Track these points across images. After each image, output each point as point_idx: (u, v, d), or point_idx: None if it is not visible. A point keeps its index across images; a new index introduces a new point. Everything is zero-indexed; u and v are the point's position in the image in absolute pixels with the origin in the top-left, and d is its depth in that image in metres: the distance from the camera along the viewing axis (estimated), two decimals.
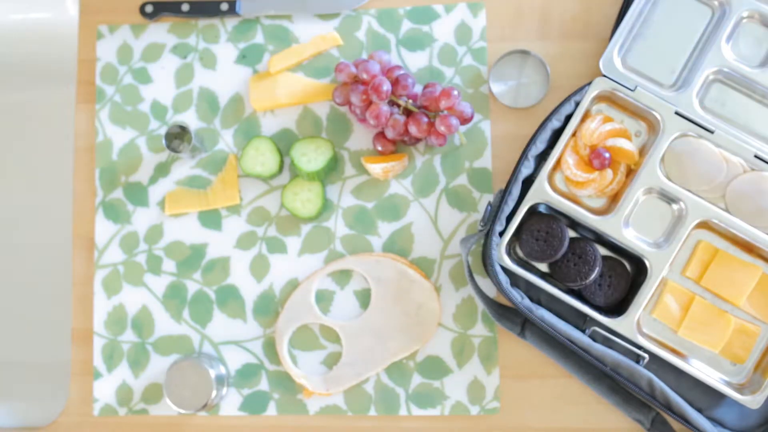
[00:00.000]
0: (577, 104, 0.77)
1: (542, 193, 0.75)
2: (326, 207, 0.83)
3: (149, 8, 0.87)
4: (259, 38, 0.86)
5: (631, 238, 0.75)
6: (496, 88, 0.82)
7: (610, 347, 0.75)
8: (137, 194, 0.85)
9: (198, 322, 0.83)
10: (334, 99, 0.81)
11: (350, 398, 0.80)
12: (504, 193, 0.75)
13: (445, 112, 0.78)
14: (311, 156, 0.81)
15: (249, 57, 0.86)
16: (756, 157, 0.75)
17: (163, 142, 0.81)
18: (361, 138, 0.84)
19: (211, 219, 0.84)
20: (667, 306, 0.75)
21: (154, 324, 0.83)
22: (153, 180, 0.85)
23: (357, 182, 0.83)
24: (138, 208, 0.85)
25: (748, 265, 0.75)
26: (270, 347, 0.82)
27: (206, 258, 0.84)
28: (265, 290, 0.83)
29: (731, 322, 0.74)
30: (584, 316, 0.77)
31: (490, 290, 0.80)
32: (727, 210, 0.75)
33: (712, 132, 0.76)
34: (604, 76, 0.77)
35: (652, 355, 0.75)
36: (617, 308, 0.76)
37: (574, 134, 0.77)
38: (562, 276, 0.76)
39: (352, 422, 0.80)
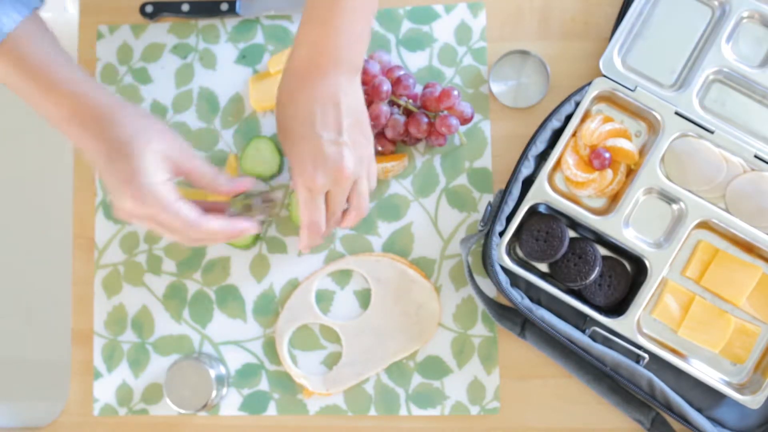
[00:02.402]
0: (577, 104, 0.77)
1: (542, 193, 0.75)
2: None
3: (149, 8, 0.87)
4: (259, 38, 0.86)
5: (631, 238, 0.75)
6: (496, 88, 0.82)
7: (610, 347, 0.75)
8: None
9: (198, 322, 0.83)
10: None
11: (350, 398, 0.80)
12: (504, 193, 0.75)
13: (445, 112, 0.78)
14: None
15: (249, 57, 0.86)
16: (756, 157, 0.75)
17: None
18: None
19: None
20: (667, 306, 0.75)
21: (154, 324, 0.83)
22: None
23: None
24: None
25: (748, 265, 0.75)
26: (270, 347, 0.82)
27: (206, 258, 0.84)
28: (265, 290, 0.83)
29: (731, 322, 0.74)
30: (584, 316, 0.77)
31: (490, 290, 0.80)
32: (727, 210, 0.75)
33: (712, 132, 0.76)
34: (604, 76, 0.77)
35: (652, 355, 0.75)
36: (617, 308, 0.76)
37: (574, 134, 0.77)
38: (562, 276, 0.76)
39: (352, 422, 0.80)
